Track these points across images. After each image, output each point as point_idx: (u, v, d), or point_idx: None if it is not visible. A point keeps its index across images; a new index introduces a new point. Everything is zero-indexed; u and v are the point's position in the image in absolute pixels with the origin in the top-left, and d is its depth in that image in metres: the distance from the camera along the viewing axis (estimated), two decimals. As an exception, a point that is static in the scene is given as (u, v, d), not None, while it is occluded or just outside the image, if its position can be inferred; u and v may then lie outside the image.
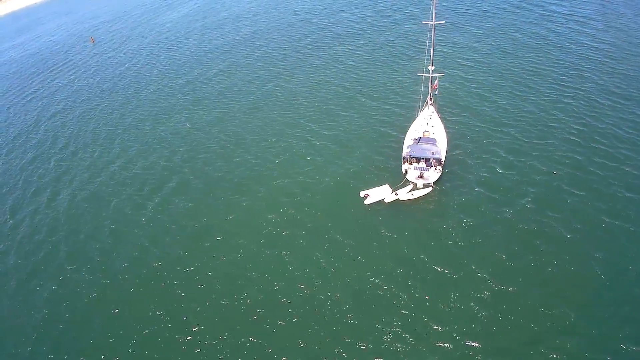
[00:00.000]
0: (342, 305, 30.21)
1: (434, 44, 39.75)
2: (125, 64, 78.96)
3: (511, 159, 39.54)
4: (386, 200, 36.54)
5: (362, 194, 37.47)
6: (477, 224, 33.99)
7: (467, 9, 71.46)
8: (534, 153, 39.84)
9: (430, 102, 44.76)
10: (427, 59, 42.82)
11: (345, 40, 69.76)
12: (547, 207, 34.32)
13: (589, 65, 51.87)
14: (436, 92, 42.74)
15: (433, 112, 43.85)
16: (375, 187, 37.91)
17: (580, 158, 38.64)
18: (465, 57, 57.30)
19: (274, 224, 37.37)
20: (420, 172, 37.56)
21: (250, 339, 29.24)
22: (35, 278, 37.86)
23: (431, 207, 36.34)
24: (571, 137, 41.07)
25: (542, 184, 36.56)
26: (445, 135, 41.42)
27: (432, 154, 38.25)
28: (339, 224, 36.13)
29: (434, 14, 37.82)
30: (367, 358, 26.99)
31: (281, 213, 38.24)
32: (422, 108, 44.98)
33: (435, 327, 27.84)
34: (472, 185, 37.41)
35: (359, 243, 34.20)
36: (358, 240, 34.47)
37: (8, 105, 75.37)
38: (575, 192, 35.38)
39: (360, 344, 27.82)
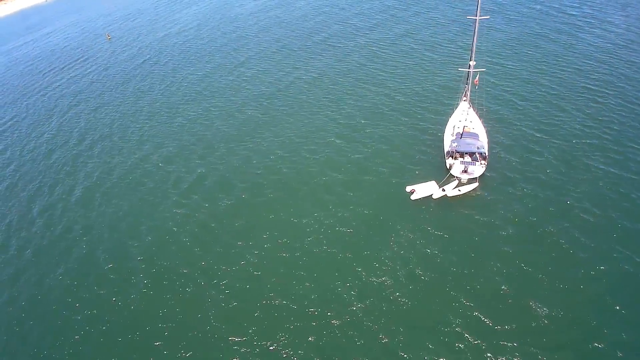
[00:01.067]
0: (394, 305, 28.80)
1: (476, 39, 38.51)
2: (142, 59, 76.99)
3: (550, 158, 38.29)
4: (434, 197, 35.34)
5: (408, 189, 36.24)
6: (526, 223, 32.67)
7: (490, 9, 70.41)
8: (573, 153, 38.55)
9: (465, 98, 43.75)
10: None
11: (368, 37, 68.34)
12: (595, 206, 33.08)
13: (612, 68, 50.64)
14: (476, 88, 41.68)
15: (469, 108, 42.75)
16: (421, 183, 36.68)
17: (619, 158, 37.45)
18: (494, 55, 56.20)
19: (318, 223, 35.66)
20: (465, 167, 36.44)
21: (306, 338, 27.77)
22: (59, 275, 36.23)
23: (477, 207, 34.80)
24: (608, 138, 39.79)
25: (584, 182, 35.33)
26: (484, 130, 40.39)
27: (478, 148, 37.18)
28: (386, 221, 34.62)
29: (479, 8, 36.62)
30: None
31: (325, 212, 36.52)
32: (458, 103, 44.07)
33: (494, 326, 26.56)
34: (515, 183, 36.14)
35: (409, 241, 32.72)
36: (408, 238, 32.97)
37: (23, 102, 73.18)
38: (622, 191, 34.18)
39: (415, 343, 26.42)
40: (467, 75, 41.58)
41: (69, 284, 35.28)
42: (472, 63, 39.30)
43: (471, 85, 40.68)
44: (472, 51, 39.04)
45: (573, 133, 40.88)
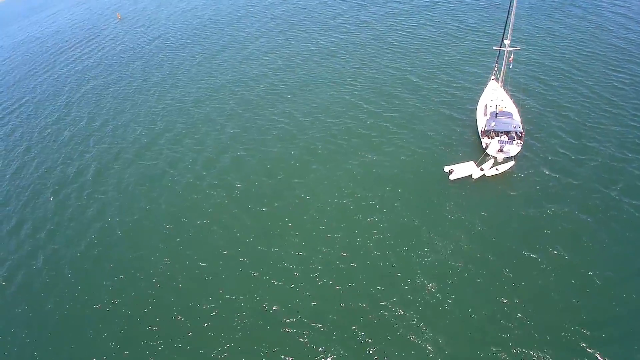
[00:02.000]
0: (433, 292, 27.34)
1: (513, 17, 36.67)
2: (152, 38, 74.27)
3: (580, 143, 36.37)
4: (474, 177, 33.90)
5: (446, 169, 34.74)
6: (564, 210, 30.82)
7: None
8: (601, 138, 36.65)
9: (494, 77, 42.36)
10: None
11: (385, 17, 66.09)
12: (629, 195, 31.31)
13: (634, 55, 49.04)
14: (510, 67, 39.98)
15: (498, 87, 41.23)
16: (459, 163, 35.18)
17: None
18: (516, 39, 54.34)
19: (354, 205, 33.78)
20: (501, 146, 35.02)
21: (348, 327, 26.26)
22: (76, 259, 34.31)
23: (514, 189, 33.18)
24: (634, 124, 38.08)
25: (618, 171, 33.47)
26: (516, 109, 38.90)
27: (514, 127, 35.74)
28: (426, 202, 32.95)
29: (517, -15, 34.89)
30: (463, 347, 24.29)
31: (360, 194, 34.65)
32: (487, 83, 42.62)
33: (539, 316, 25.07)
34: (549, 166, 34.47)
35: (447, 223, 31.13)
36: (449, 221, 31.29)
37: (31, 82, 70.44)
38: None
39: (454, 331, 25.05)
40: (499, 53, 39.97)
41: (87, 269, 33.33)
42: (507, 42, 37.59)
43: (505, 64, 39.02)
44: (507, 29, 37.23)
45: (599, 120, 38.97)
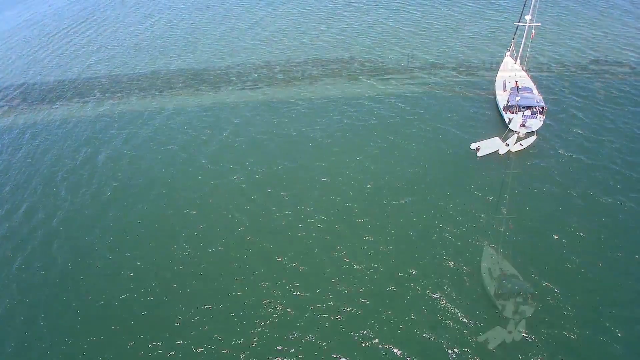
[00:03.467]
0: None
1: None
2: (154, 20, 71.49)
3: (598, 120, 36.09)
4: (500, 152, 33.28)
5: (473, 146, 33.94)
6: (586, 189, 30.30)
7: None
8: (616, 119, 36.20)
9: (509, 53, 41.49)
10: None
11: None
12: None
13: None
14: (529, 42, 39.00)
15: (515, 64, 40.43)
16: (484, 140, 34.36)
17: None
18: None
19: (385, 187, 32.48)
20: (524, 121, 34.32)
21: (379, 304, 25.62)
22: (94, 246, 32.32)
23: (537, 167, 32.57)
24: None
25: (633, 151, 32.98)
26: (533, 84, 38.15)
27: (537, 102, 35.02)
28: (457, 181, 32.10)
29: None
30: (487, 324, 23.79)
31: (388, 174, 33.36)
32: (502, 59, 41.77)
33: (564, 295, 24.57)
34: (567, 144, 33.92)
35: (476, 201, 30.38)
36: (475, 198, 30.60)
37: (31, 68, 67.08)
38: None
39: (476, 308, 24.40)
40: (516, 29, 38.98)
41: (108, 258, 31.45)
42: (528, 17, 36.49)
43: (525, 40, 38.02)
44: (530, 4, 36.07)
45: (615, 100, 38.51)
